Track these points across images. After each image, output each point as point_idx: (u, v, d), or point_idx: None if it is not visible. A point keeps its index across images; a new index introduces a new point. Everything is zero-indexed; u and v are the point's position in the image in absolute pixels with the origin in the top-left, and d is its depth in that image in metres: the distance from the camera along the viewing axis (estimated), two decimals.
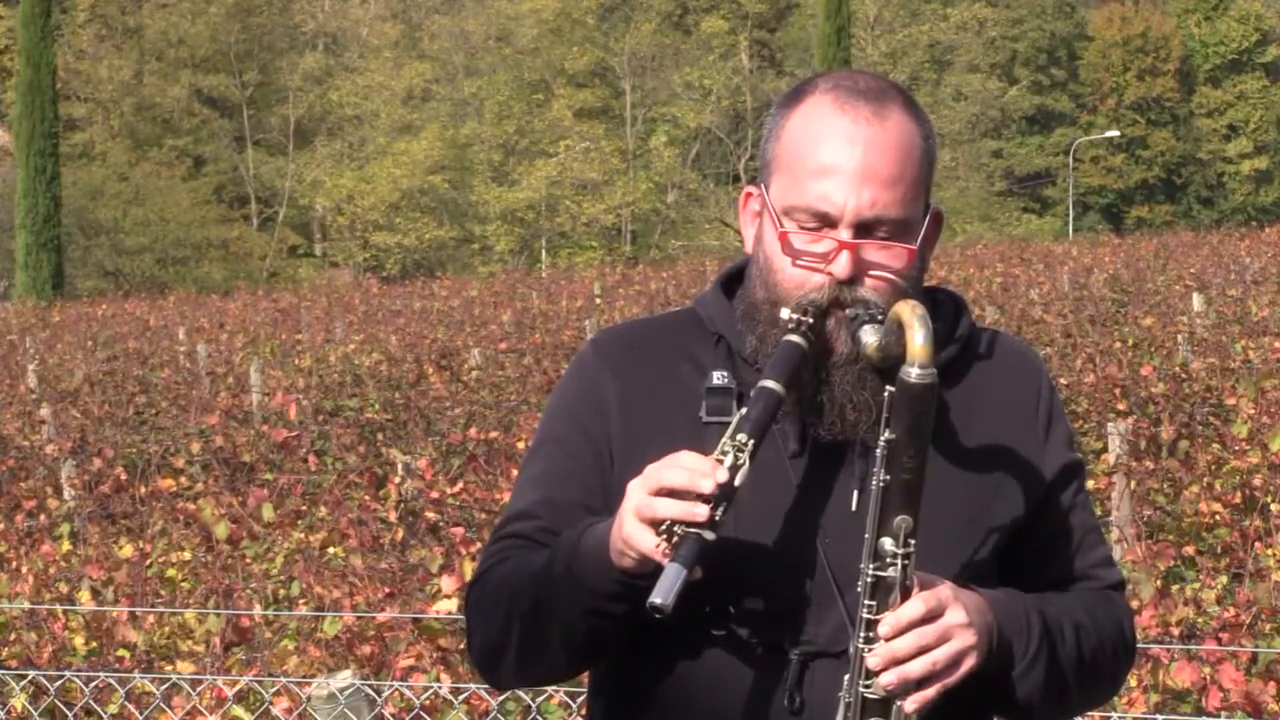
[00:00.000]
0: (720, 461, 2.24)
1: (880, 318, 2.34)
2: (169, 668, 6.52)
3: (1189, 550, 8.26)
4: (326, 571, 7.52)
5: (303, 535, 8.55)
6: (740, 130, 69.83)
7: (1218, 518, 8.68)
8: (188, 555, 8.24)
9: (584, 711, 5.67)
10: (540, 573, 2.42)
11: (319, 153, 66.38)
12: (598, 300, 30.86)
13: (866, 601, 2.27)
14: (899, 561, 2.26)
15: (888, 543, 2.26)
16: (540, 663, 2.46)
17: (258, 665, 6.44)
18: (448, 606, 6.09)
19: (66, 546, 8.67)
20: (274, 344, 24.64)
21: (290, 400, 14.01)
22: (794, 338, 2.34)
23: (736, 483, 2.23)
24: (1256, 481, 8.98)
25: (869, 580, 2.27)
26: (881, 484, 2.27)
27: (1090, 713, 5.24)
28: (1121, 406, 12.52)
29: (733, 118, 69.86)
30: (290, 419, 13.49)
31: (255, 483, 11.50)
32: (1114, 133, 71.57)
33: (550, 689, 5.46)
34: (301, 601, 7.28)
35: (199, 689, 5.86)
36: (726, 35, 69.97)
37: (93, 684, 5.89)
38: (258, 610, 7.10)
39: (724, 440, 2.26)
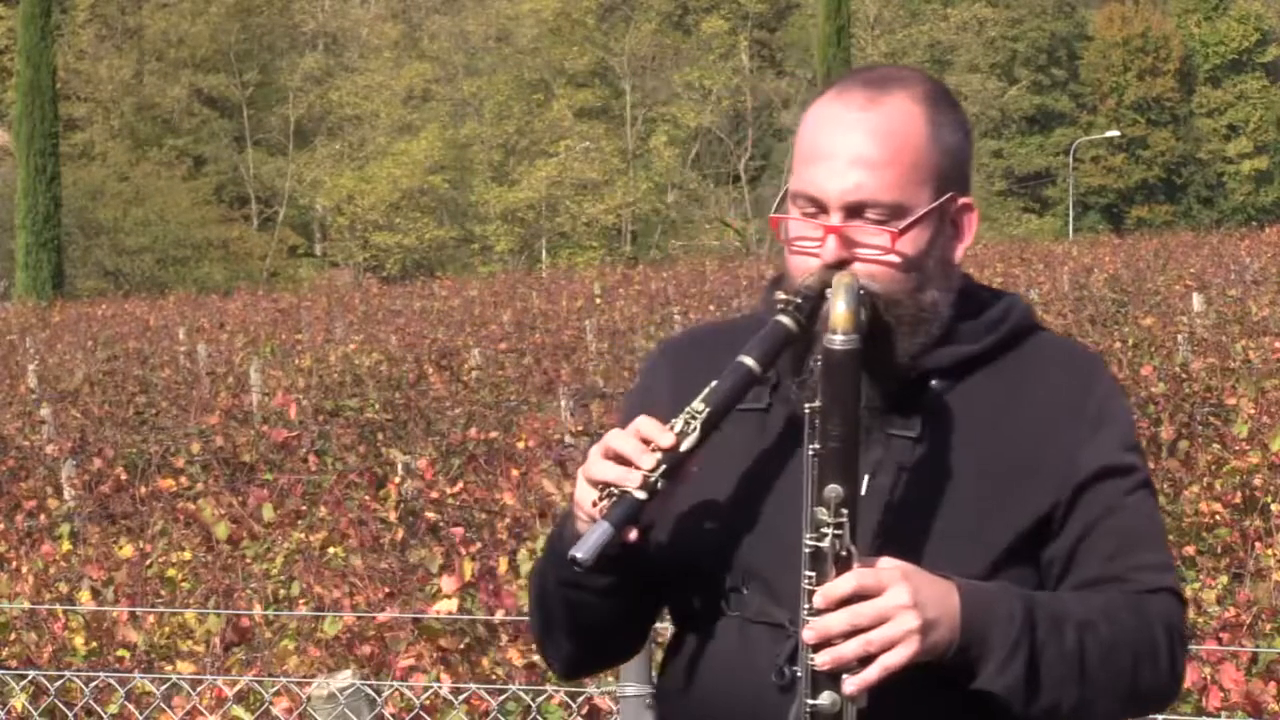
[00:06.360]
0: (671, 429, 2.30)
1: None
2: (169, 668, 6.52)
3: (1189, 550, 8.25)
4: (326, 571, 7.52)
5: (303, 535, 8.54)
6: (740, 130, 69.86)
7: (1218, 518, 8.67)
8: (188, 555, 8.23)
9: (584, 711, 5.67)
10: (545, 552, 2.51)
11: (319, 153, 66.41)
12: (598, 300, 30.86)
13: (806, 573, 2.27)
14: (830, 531, 2.25)
15: (820, 512, 2.25)
16: (556, 645, 2.54)
17: (258, 665, 6.44)
18: (448, 606, 6.09)
19: (66, 546, 8.66)
20: (274, 344, 24.63)
21: (290, 400, 14.00)
22: (782, 318, 2.36)
23: (683, 448, 2.29)
24: (1256, 481, 8.97)
25: (807, 551, 2.27)
26: (813, 453, 2.27)
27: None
28: None
29: (733, 118, 69.89)
30: (290, 419, 13.48)
31: (255, 483, 11.49)
32: (1114, 133, 71.59)
33: (550, 689, 5.46)
34: (301, 601, 7.28)
35: (199, 689, 5.86)
36: (726, 35, 69.96)
37: (93, 684, 5.89)
38: (258, 610, 7.10)
39: (688, 407, 2.32)
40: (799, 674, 2.28)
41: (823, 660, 2.24)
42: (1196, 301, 21.08)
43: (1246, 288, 25.18)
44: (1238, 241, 40.58)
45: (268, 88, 68.10)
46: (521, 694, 5.38)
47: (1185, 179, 77.16)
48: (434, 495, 9.71)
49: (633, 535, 2.29)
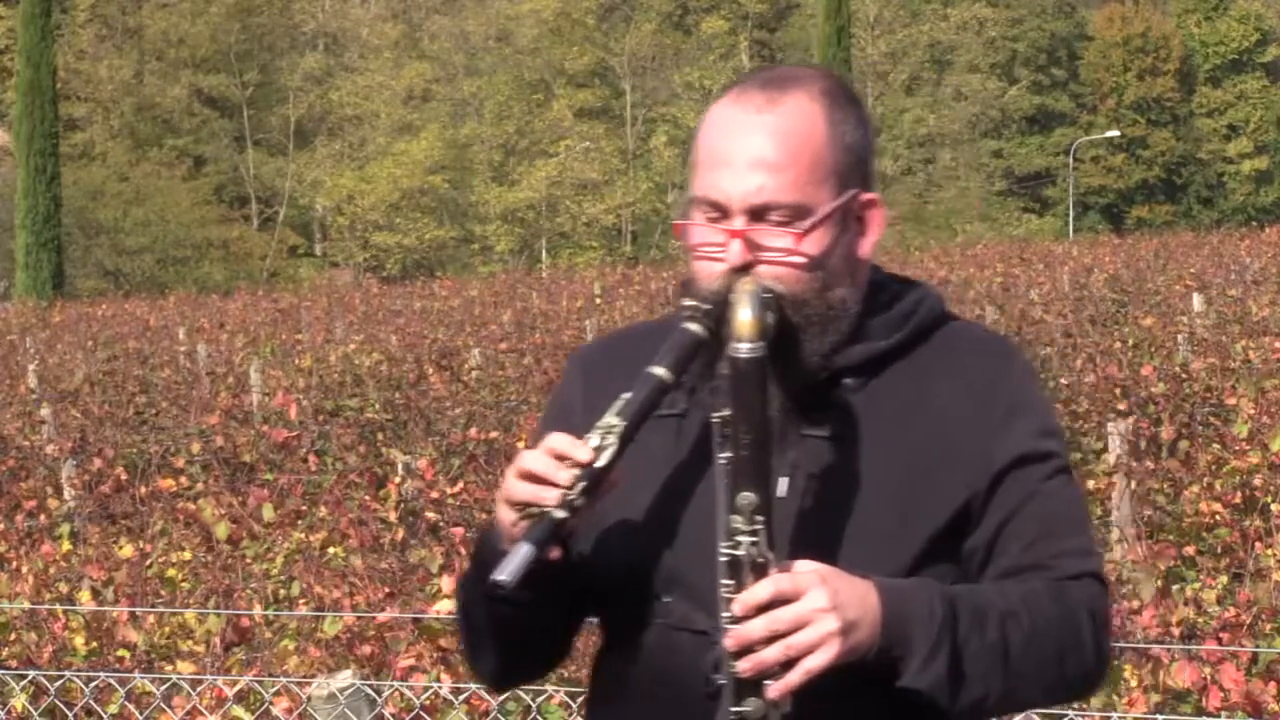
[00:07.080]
0: (587, 444, 2.28)
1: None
2: (169, 668, 6.52)
3: (1189, 550, 8.26)
4: (326, 571, 7.52)
5: (303, 535, 8.55)
6: None
7: (1218, 518, 8.67)
8: (188, 555, 8.23)
9: (584, 712, 5.67)
10: (469, 565, 2.49)
11: (319, 153, 66.43)
12: (598, 300, 30.87)
13: (724, 581, 2.26)
14: (745, 539, 2.24)
15: (735, 520, 2.25)
16: (482, 658, 2.53)
17: (258, 665, 6.44)
18: (448, 606, 6.09)
19: (66, 546, 8.66)
20: (274, 344, 24.62)
21: (290, 400, 13.99)
22: (690, 325, 2.35)
23: (600, 464, 2.27)
24: (1256, 481, 8.98)
25: (723, 560, 2.26)
26: (724, 461, 2.27)
27: (1089, 711, 5.24)
28: (1121, 406, 12.52)
29: None
30: (290, 419, 13.48)
31: (255, 483, 11.49)
32: (1114, 133, 71.59)
33: (550, 689, 5.46)
34: (301, 601, 7.28)
35: (199, 689, 5.85)
36: (726, 35, 70.00)
37: (93, 684, 5.89)
38: (258, 610, 7.10)
39: (600, 422, 2.30)
40: (722, 681, 2.27)
41: (744, 667, 2.23)
42: (1196, 301, 21.09)
43: (1246, 288, 25.18)
44: (1238, 241, 40.59)
45: (268, 88, 68.11)
46: (521, 694, 5.38)
47: (1185, 179, 77.17)
48: (434, 495, 9.71)
49: (555, 554, 2.29)
